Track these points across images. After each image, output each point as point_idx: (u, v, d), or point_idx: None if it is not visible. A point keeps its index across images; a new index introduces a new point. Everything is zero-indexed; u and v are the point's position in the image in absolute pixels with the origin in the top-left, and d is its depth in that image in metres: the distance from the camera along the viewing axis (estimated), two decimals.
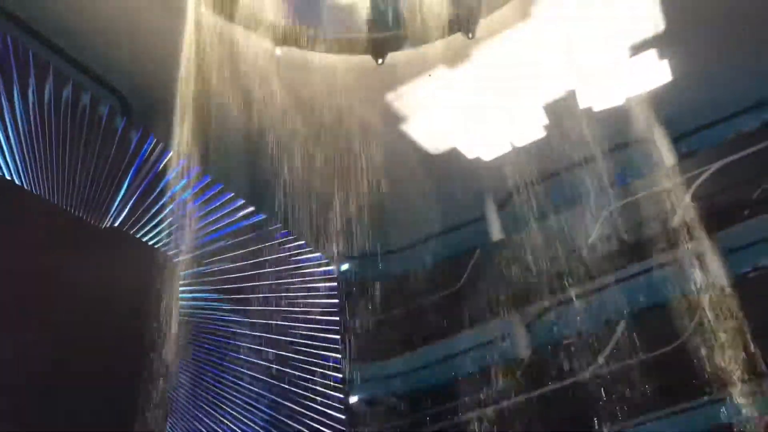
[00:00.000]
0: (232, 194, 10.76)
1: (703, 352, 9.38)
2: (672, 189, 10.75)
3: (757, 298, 9.60)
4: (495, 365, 11.63)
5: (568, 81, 10.36)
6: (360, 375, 12.03)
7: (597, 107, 11.00)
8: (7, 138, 8.10)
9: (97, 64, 9.22)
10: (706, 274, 10.08)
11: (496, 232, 13.02)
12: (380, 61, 8.94)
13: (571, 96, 10.95)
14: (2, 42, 8.18)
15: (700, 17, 9.52)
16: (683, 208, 10.53)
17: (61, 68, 8.94)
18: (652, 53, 10.17)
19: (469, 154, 11.79)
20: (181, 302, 9.56)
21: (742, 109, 11.26)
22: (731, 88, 10.78)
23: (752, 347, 9.01)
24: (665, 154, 11.49)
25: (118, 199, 9.32)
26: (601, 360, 10.42)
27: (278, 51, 8.57)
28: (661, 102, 10.73)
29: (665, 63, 10.46)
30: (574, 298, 10.77)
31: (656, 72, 10.71)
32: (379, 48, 8.84)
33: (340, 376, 11.49)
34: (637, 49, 10.02)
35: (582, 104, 10.89)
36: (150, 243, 9.57)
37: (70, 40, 8.78)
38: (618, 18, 9.23)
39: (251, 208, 11.02)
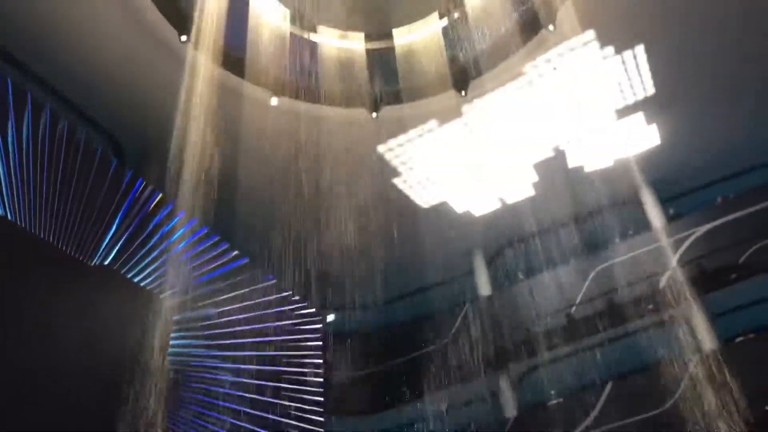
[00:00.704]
0: (219, 238, 10.68)
1: (691, 416, 9.23)
2: (660, 251, 10.83)
3: (745, 363, 9.54)
4: (480, 425, 11.40)
5: (558, 140, 10.55)
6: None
7: (587, 168, 11.21)
8: None
9: (93, 107, 9.29)
10: (694, 337, 10.04)
11: (484, 288, 13.00)
12: (375, 114, 9.12)
13: (561, 155, 11.15)
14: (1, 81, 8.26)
15: (689, 85, 9.85)
16: (671, 270, 10.58)
17: (57, 109, 9.01)
18: (641, 117, 10.46)
19: (459, 209, 11.89)
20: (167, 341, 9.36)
21: (729, 174, 11.50)
22: (719, 153, 11.02)
23: (740, 412, 8.89)
24: (654, 215, 11.64)
25: (108, 238, 9.22)
26: (589, 421, 10.24)
27: (275, 100, 8.69)
28: (650, 164, 10.96)
29: (654, 127, 10.73)
30: (561, 358, 10.67)
31: (645, 135, 10.97)
32: (374, 102, 9.03)
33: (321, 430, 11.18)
34: (628, 112, 10.30)
35: (572, 164, 11.10)
36: (139, 282, 9.44)
37: (69, 83, 8.87)
38: (609, 81, 9.49)
39: (236, 252, 10.93)
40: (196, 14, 7.60)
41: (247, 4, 7.96)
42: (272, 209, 8.93)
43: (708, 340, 10.08)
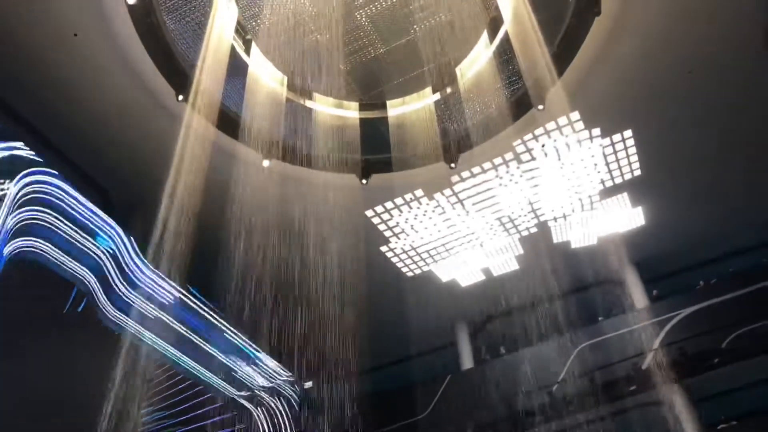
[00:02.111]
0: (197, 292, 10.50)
1: None
2: (642, 332, 10.81)
3: None
4: None
5: (544, 216, 10.69)
6: None
7: (572, 244, 11.33)
8: None
9: (85, 158, 9.27)
10: (676, 422, 9.90)
11: (467, 361, 12.79)
12: (365, 181, 9.20)
13: (547, 231, 11.29)
14: None
15: (674, 170, 10.11)
16: (653, 351, 10.54)
17: (49, 159, 8.99)
18: (626, 197, 10.67)
19: (444, 279, 11.90)
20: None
21: (713, 258, 11.66)
22: (702, 237, 11.19)
23: None
24: (637, 296, 11.70)
25: None
26: None
27: (266, 162, 8.74)
28: (634, 245, 11.10)
29: (639, 209, 10.94)
30: None
31: (630, 216, 11.16)
32: (365, 169, 9.12)
33: None
34: (613, 192, 10.49)
35: (556, 240, 11.22)
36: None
37: (62, 133, 8.87)
38: (596, 161, 9.70)
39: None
40: (194, 75, 7.71)
41: (245, 67, 8.12)
42: (254, 271, 8.83)
43: (690, 426, 9.94)
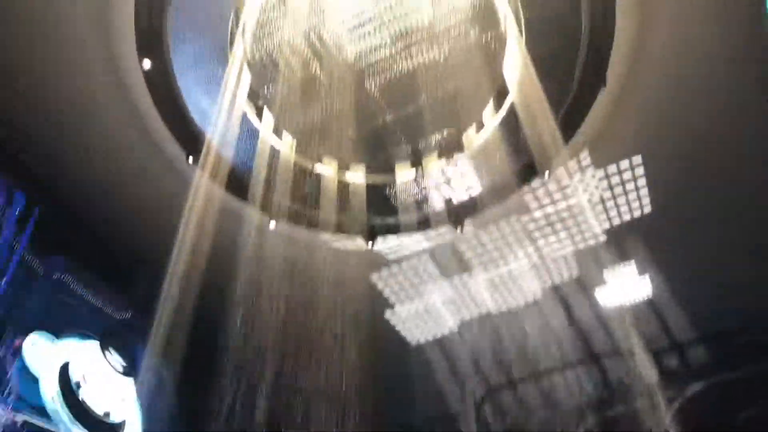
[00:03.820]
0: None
1: None
2: (651, 409, 10.50)
3: None
4: None
5: (550, 286, 10.60)
6: None
7: (578, 313, 11.17)
8: None
9: (88, 213, 9.28)
10: None
11: (472, 429, 12.39)
12: (370, 244, 9.20)
13: (553, 299, 11.17)
14: None
15: (677, 245, 10.08)
16: (663, 430, 10.22)
17: (51, 213, 9.02)
18: (634, 266, 10.52)
19: (450, 347, 11.70)
20: None
21: (725, 332, 11.43)
22: (713, 310, 11.02)
23: None
24: (645, 371, 11.42)
25: None
26: None
27: (272, 224, 8.78)
28: (642, 317, 10.92)
29: (646, 278, 10.83)
30: None
31: (638, 286, 11.03)
32: (371, 232, 9.13)
33: None
34: (621, 259, 10.35)
35: (562, 311, 11.07)
36: None
37: (67, 188, 8.93)
38: (602, 231, 9.70)
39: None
40: (205, 137, 7.84)
41: (256, 131, 8.26)
42: (257, 333, 8.72)
43: None
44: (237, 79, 7.72)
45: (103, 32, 7.23)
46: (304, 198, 8.79)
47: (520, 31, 7.60)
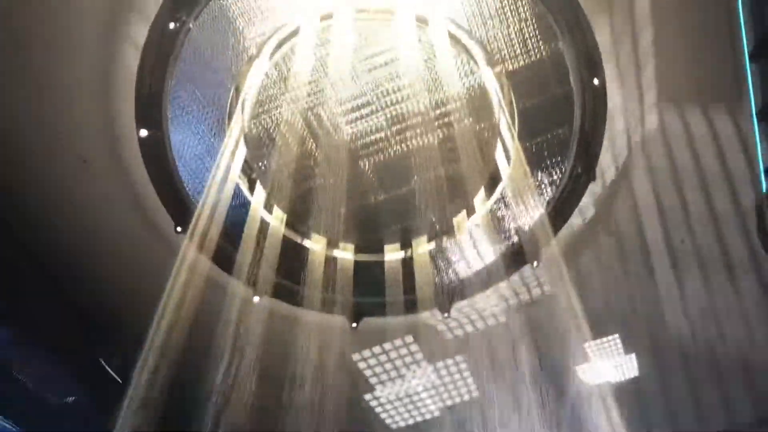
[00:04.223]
0: None
1: None
2: None
3: None
4: None
5: (536, 373, 10.37)
6: None
7: (565, 402, 10.90)
8: None
9: (69, 278, 9.09)
10: None
11: None
12: (354, 324, 9.03)
13: (539, 388, 10.90)
14: None
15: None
16: None
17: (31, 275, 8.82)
18: (618, 344, 10.42)
19: None
20: None
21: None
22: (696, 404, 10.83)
23: None
24: None
25: None
26: None
27: (256, 299, 8.62)
28: (626, 399, 10.65)
29: (633, 357, 10.63)
30: None
31: (625, 369, 10.86)
32: (356, 311, 8.99)
33: None
34: (605, 350, 10.31)
35: (549, 400, 10.80)
36: None
37: (48, 251, 8.79)
38: (587, 321, 9.62)
39: None
40: (195, 208, 7.80)
41: (247, 203, 8.24)
42: (232, 409, 8.40)
43: None
44: (232, 152, 7.78)
45: (102, 96, 7.27)
46: (291, 273, 8.70)
47: (513, 121, 7.80)
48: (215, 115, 7.65)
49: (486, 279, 8.65)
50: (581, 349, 10.20)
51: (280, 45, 7.25)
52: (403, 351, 9.85)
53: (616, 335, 10.06)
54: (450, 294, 8.85)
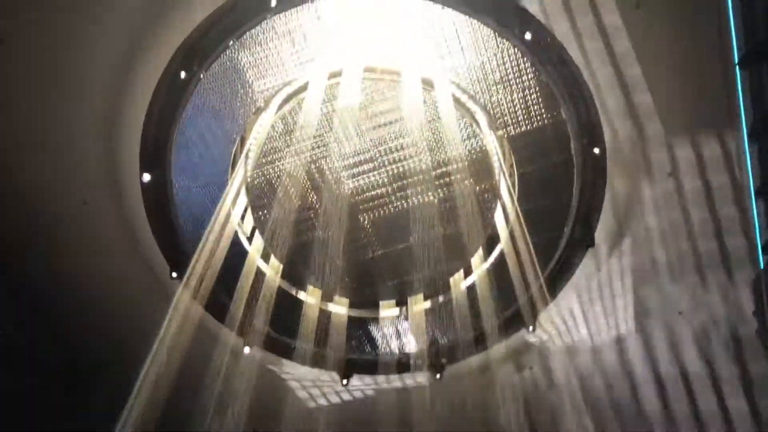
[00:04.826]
0: None
1: None
2: None
3: None
4: None
5: None
6: None
7: None
8: None
9: (59, 319, 8.97)
10: None
11: None
12: (345, 381, 8.87)
13: None
14: None
15: None
16: None
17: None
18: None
19: None
20: None
21: None
22: None
23: None
24: None
25: None
26: None
27: (247, 349, 8.50)
28: None
29: None
30: None
31: None
32: (347, 368, 8.84)
33: None
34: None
35: None
36: None
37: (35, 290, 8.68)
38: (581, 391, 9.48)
39: None
40: (192, 254, 7.76)
41: (245, 252, 8.22)
42: None
43: None
44: (233, 200, 7.81)
45: (107, 139, 7.37)
46: (283, 325, 8.60)
47: (514, 184, 7.87)
48: (219, 163, 7.72)
49: (481, 342, 8.54)
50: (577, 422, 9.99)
51: (288, 99, 7.40)
52: (394, 411, 9.62)
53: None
54: (443, 356, 8.72)
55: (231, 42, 6.73)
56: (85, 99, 7.01)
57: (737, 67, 6.09)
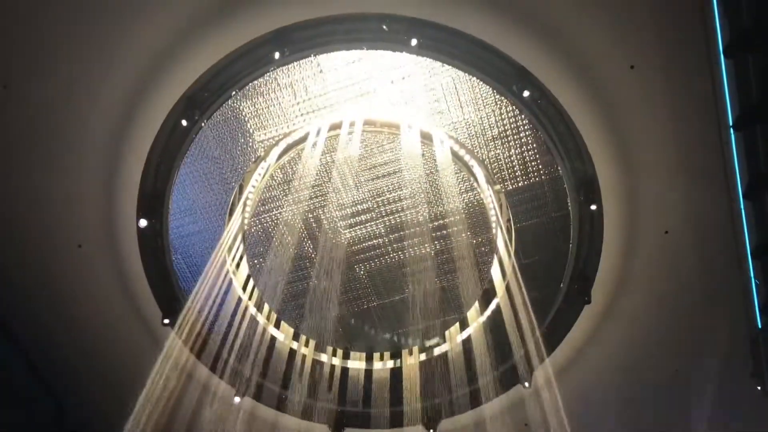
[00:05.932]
0: None
1: None
2: None
3: None
4: None
5: None
6: None
7: None
8: None
9: (46, 363, 8.81)
10: None
11: None
12: None
13: None
14: None
15: None
16: None
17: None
18: None
19: None
20: None
21: None
22: None
23: None
24: None
25: None
26: None
27: (237, 399, 8.32)
28: None
29: None
30: None
31: None
32: (339, 421, 8.63)
33: None
34: None
35: None
36: None
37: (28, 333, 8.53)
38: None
39: None
40: (185, 300, 7.69)
41: (238, 300, 8.14)
42: None
43: None
44: (229, 247, 7.79)
45: (105, 184, 7.36)
46: (275, 375, 8.43)
47: (511, 239, 7.86)
48: (217, 210, 7.72)
49: (475, 397, 8.37)
50: None
51: (288, 149, 7.46)
52: None
53: None
54: (437, 411, 8.53)
55: (233, 92, 6.82)
56: (84, 143, 7.03)
57: (731, 129, 6.18)
